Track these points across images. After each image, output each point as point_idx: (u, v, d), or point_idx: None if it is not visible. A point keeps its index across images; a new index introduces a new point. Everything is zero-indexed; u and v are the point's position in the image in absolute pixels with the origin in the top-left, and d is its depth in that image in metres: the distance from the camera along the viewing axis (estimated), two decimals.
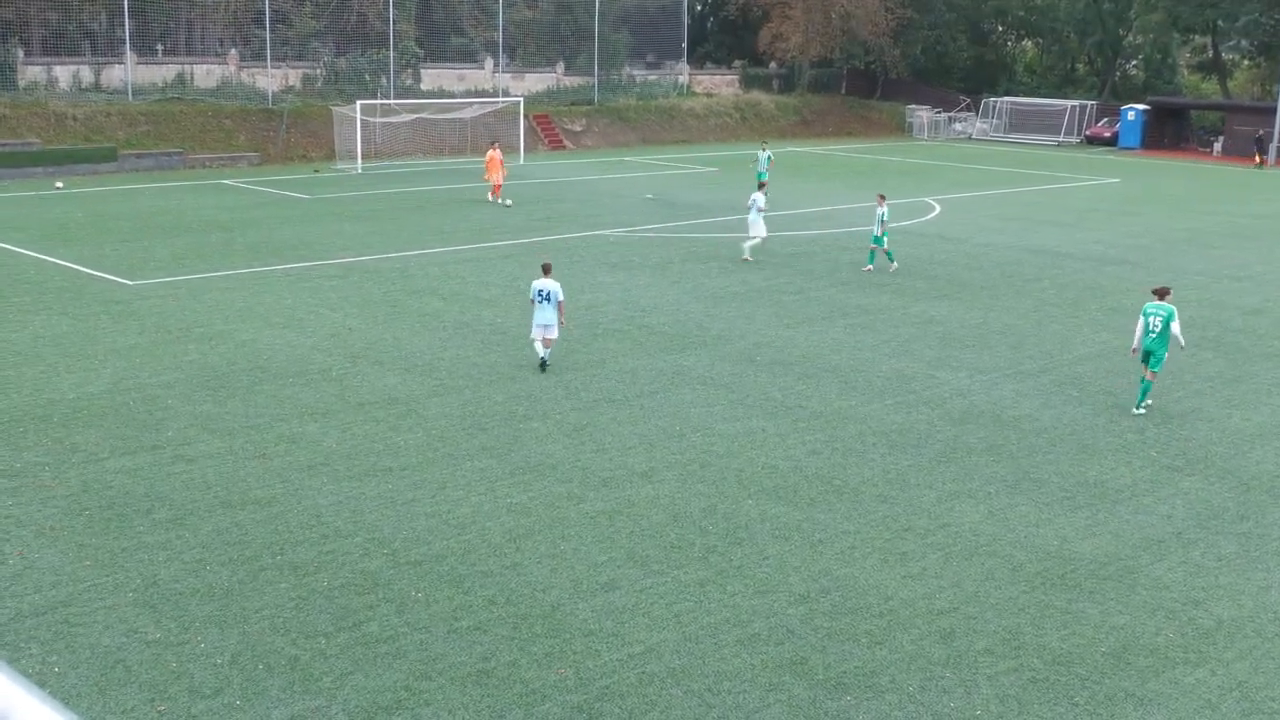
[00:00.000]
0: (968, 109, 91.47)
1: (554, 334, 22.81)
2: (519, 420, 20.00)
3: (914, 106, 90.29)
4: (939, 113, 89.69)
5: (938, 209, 47.18)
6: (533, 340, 23.08)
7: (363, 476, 17.32)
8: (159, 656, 12.28)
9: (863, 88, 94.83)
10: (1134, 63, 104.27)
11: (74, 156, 52.64)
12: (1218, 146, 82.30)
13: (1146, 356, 21.19)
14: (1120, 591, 14.35)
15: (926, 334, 26.85)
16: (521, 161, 60.75)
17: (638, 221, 41.95)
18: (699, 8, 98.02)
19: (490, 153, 45.96)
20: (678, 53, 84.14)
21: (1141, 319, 21.28)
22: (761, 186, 36.61)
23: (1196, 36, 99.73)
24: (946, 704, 11.85)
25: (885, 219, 33.61)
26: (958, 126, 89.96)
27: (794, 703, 11.78)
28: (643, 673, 12.23)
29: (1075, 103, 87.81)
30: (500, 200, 45.34)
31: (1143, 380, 21.41)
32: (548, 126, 70.43)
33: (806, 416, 20.67)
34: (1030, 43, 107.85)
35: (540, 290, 22.56)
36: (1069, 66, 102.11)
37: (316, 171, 55.47)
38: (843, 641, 12.96)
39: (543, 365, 22.83)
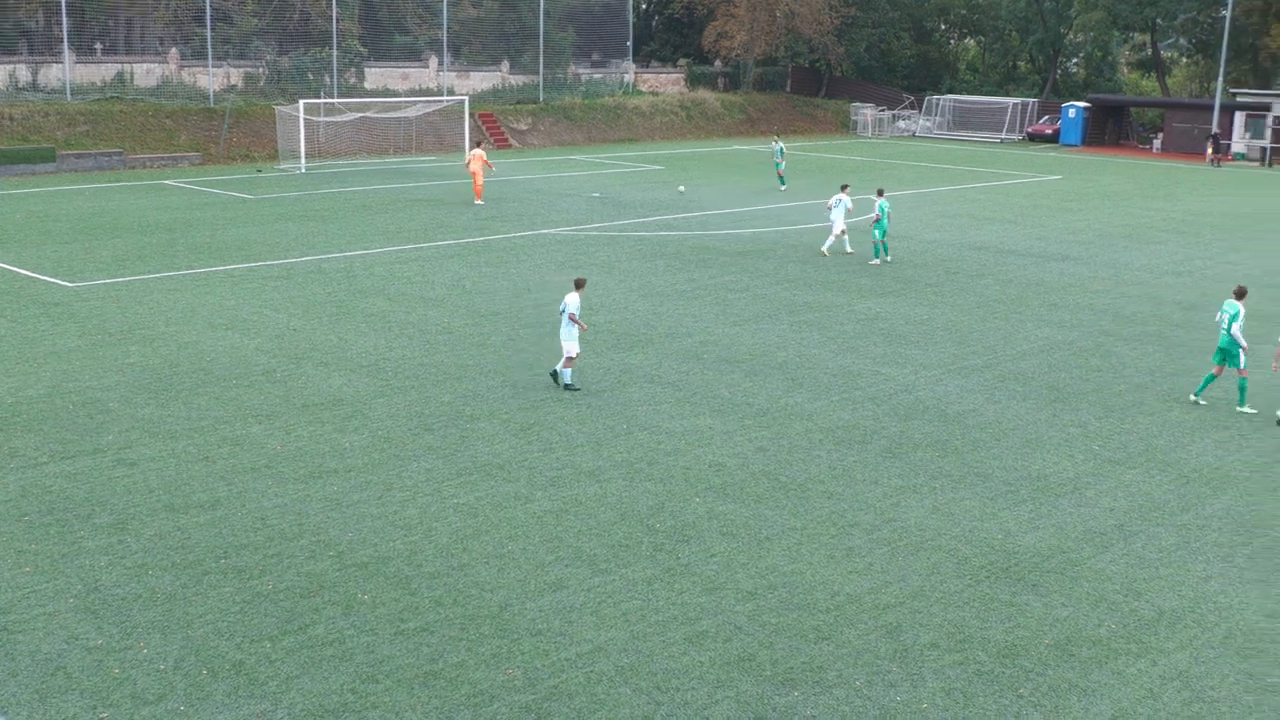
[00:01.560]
0: (911, 107, 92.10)
1: (568, 349, 21.58)
2: (466, 420, 19.94)
3: (858, 104, 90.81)
4: (883, 110, 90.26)
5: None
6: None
7: (308, 479, 17.20)
8: (101, 663, 12.14)
9: (808, 86, 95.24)
10: (1075, 60, 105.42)
11: (11, 157, 51.90)
12: (1157, 143, 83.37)
13: (1223, 356, 21.67)
14: (1063, 584, 14.51)
15: (872, 331, 27.02)
16: (466, 160, 60.49)
17: (583, 220, 41.92)
18: (644, 6, 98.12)
19: (475, 152, 46.57)
20: (623, 51, 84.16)
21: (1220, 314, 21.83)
22: (844, 188, 37.84)
23: (1136, 34, 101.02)
24: (893, 698, 11.93)
25: (886, 209, 35.10)
26: (902, 124, 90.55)
27: (742, 699, 11.83)
28: (591, 672, 12.23)
29: (1017, 100, 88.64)
30: (477, 200, 45.62)
31: (1239, 380, 21.83)
32: (493, 125, 70.23)
33: (753, 414, 20.74)
34: (972, 41, 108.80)
35: (564, 304, 21.61)
36: (1011, 64, 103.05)
37: (259, 171, 55.01)
38: (790, 637, 13.02)
39: (553, 376, 22.05)
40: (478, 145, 48.17)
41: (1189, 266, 36.33)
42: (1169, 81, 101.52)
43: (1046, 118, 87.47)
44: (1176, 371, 24.35)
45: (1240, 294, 21.99)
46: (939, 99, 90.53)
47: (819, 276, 32.85)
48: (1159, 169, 70.22)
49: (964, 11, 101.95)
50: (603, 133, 75.78)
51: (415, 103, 64.97)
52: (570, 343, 21.55)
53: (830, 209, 36.67)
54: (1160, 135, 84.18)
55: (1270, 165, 73.26)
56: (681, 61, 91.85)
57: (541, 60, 76.13)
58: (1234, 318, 21.50)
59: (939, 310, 29.21)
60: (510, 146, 69.66)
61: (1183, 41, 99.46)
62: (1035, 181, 60.39)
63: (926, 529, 16.05)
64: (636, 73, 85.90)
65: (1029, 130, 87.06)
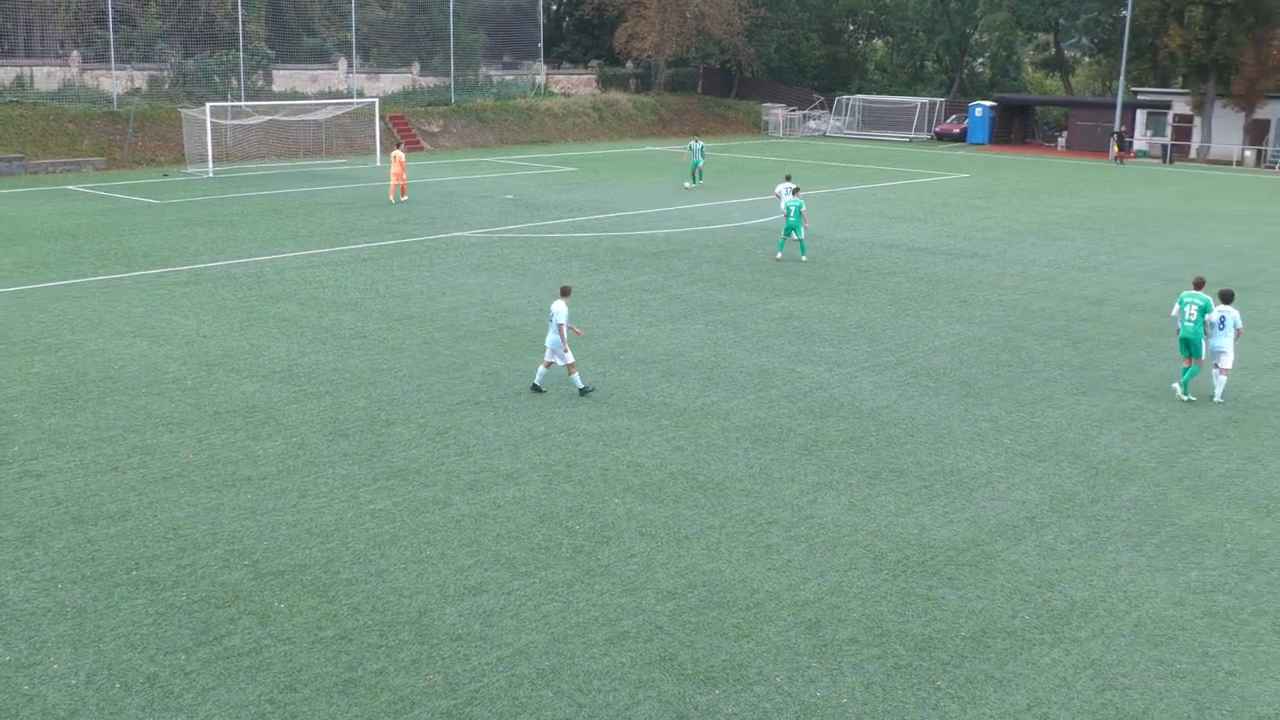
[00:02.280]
0: (822, 107, 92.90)
1: (552, 358, 21.43)
2: (381, 425, 19.78)
3: (769, 105, 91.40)
4: (794, 111, 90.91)
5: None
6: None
7: (221, 487, 16.96)
8: (9, 679, 11.88)
9: (719, 86, 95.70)
10: (981, 60, 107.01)
11: None
12: (1061, 141, 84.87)
13: (1185, 345, 22.30)
14: (978, 576, 14.73)
15: (786, 329, 27.21)
16: (377, 163, 60.05)
17: (498, 222, 41.78)
18: (554, 7, 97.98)
19: (395, 153, 48.01)
20: (534, 53, 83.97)
21: (1178, 306, 22.48)
22: (789, 178, 40.72)
23: (1040, 35, 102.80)
24: (813, 693, 12.03)
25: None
26: (812, 124, 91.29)
27: (664, 699, 11.86)
28: (512, 675, 12.19)
29: (925, 100, 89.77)
30: (395, 199, 46.83)
31: (1184, 369, 22.52)
32: (404, 128, 69.72)
33: (670, 414, 20.80)
34: (880, 41, 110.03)
35: (551, 311, 21.35)
36: (918, 65, 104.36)
37: (166, 176, 54.14)
38: (710, 636, 13.08)
39: (534, 388, 21.73)
40: (398, 147, 48.97)
41: (1094, 262, 37.03)
42: (1072, 80, 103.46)
43: (954, 117, 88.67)
44: (1084, 365, 24.80)
45: (1199, 284, 22.91)
46: (849, 99, 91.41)
47: (733, 276, 33.02)
48: (1064, 166, 71.49)
49: (872, 12, 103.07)
50: (515, 134, 75.56)
51: (324, 105, 64.31)
52: (560, 351, 21.20)
53: (779, 198, 39.13)
54: (1064, 133, 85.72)
55: (1171, 162, 74.90)
56: (593, 63, 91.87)
57: (452, 62, 75.73)
58: (1205, 309, 22.15)
59: (851, 308, 29.50)
60: (422, 149, 69.21)
61: (1085, 41, 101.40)
62: (944, 180, 61.21)
63: (843, 525, 16.20)
64: (548, 74, 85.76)
65: (937, 129, 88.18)
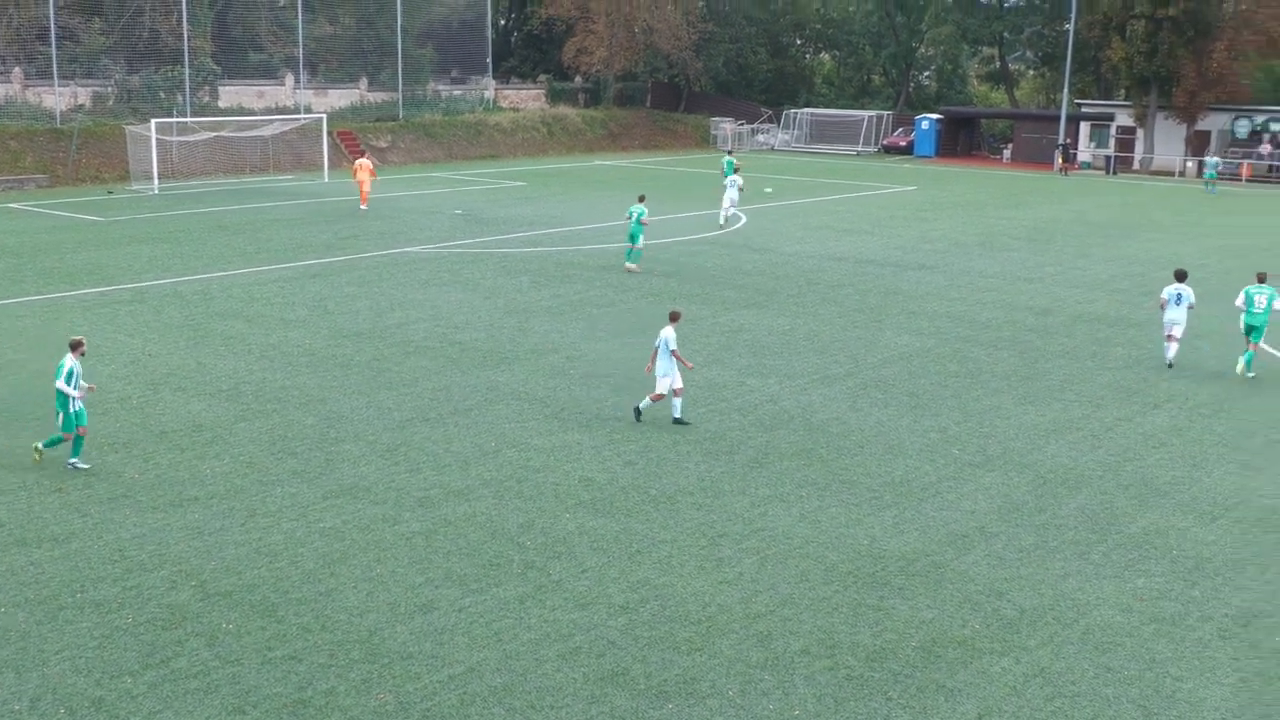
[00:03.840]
0: (770, 121, 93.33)
1: (667, 385, 20.77)
2: (330, 443, 19.65)
3: (718, 119, 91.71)
4: (742, 125, 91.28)
5: (744, 219, 48.01)
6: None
7: (168, 507, 16.78)
8: None
9: (668, 101, 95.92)
10: (927, 74, 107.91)
11: None
12: (1007, 153, 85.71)
13: (1250, 330, 25.24)
14: (928, 586, 14.81)
15: (736, 342, 27.29)
16: (325, 179, 59.75)
17: (447, 238, 41.66)
18: (503, 22, 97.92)
19: (360, 160, 49.65)
20: (483, 67, 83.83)
21: (1244, 297, 25.32)
22: (737, 170, 47.59)
23: (985, 48, 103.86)
24: (766, 706, 12.04)
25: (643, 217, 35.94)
26: (761, 138, 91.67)
27: (616, 714, 11.83)
28: (464, 693, 12.13)
29: (872, 113, 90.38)
30: (364, 207, 48.28)
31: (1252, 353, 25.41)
32: (352, 143, 69.38)
33: (621, 428, 20.79)
34: (827, 55, 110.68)
35: (661, 337, 20.80)
36: (865, 78, 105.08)
37: (110, 193, 53.58)
38: (663, 650, 13.07)
39: (636, 413, 21.20)
40: (362, 154, 51.46)
41: (1040, 273, 37.38)
42: (1017, 93, 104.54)
43: (901, 130, 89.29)
44: (1031, 375, 25.02)
45: (1262, 278, 25.75)
46: (796, 113, 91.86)
47: (683, 289, 33.08)
48: (1009, 178, 72.19)
49: (819, 26, 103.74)
50: (464, 149, 75.39)
51: (271, 121, 63.89)
52: (668, 377, 20.72)
53: (726, 189, 45.79)
54: (1010, 146, 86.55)
55: (1115, 173, 75.80)
56: (542, 78, 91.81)
57: (400, 77, 75.48)
58: (1273, 297, 24.91)
59: (801, 320, 29.63)
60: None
61: (1029, 55, 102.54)
62: (891, 193, 61.64)
63: (794, 537, 16.24)
64: (497, 89, 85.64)
65: (884, 142, 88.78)
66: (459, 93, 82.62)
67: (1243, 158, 72.08)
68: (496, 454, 19.31)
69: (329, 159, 62.43)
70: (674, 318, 21.37)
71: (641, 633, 13.44)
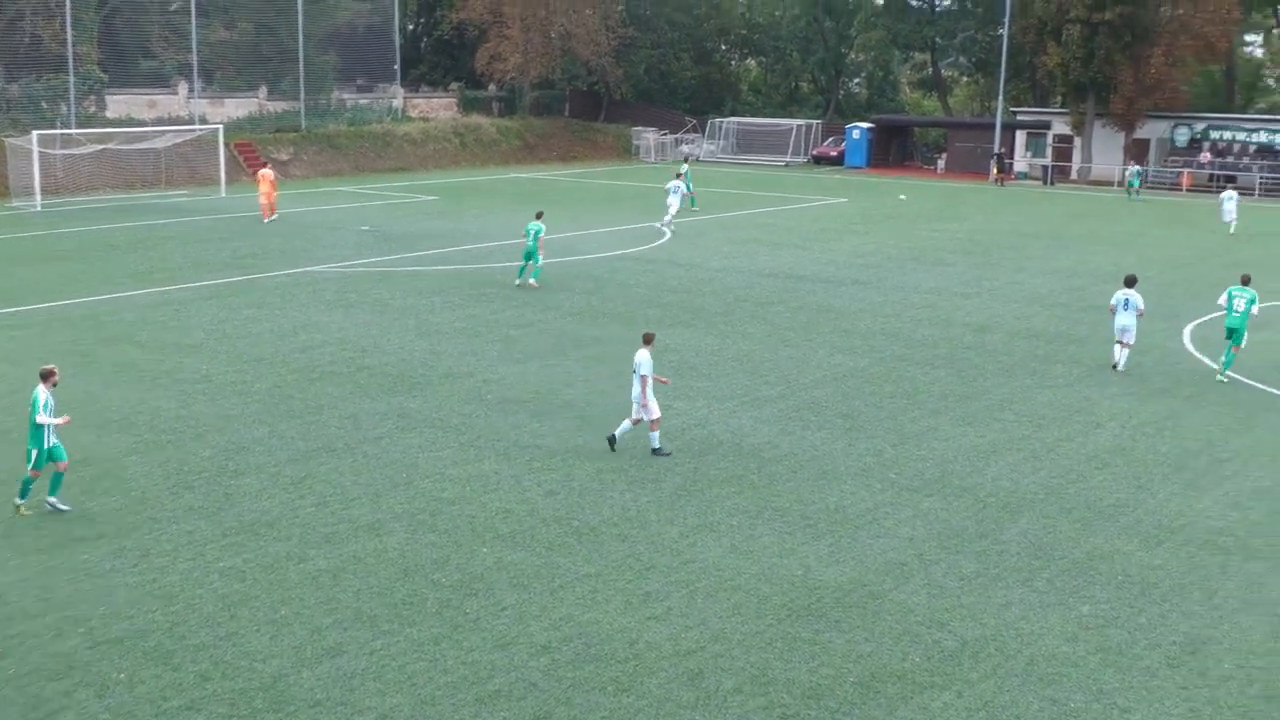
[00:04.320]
0: (694, 130, 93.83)
1: (640, 413, 20.82)
2: (230, 476, 19.40)
3: (640, 128, 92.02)
4: (665, 134, 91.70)
5: (668, 234, 48.18)
6: None
7: (52, 548, 16.46)
8: None
9: (587, 110, 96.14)
10: (857, 80, 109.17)
11: None
12: (941, 163, 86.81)
13: (1230, 333, 26.70)
14: (866, 618, 14.89)
15: (661, 363, 27.25)
16: (223, 194, 59.14)
17: (354, 256, 41.38)
18: (411, 27, 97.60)
19: (263, 171, 51.40)
20: (390, 75, 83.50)
21: (1226, 297, 26.97)
22: (679, 176, 52.50)
23: (916, 54, 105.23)
24: None
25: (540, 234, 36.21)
26: (685, 148, 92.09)
27: None
28: None
29: (801, 122, 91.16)
30: (267, 220, 49.46)
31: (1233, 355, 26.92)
32: (251, 156, 68.76)
33: (541, 456, 20.74)
34: (754, 61, 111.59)
35: (636, 362, 20.81)
36: (793, 85, 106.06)
37: None
38: (588, 691, 13.02)
39: (610, 441, 21.07)
40: (265, 165, 53.03)
41: (977, 288, 37.87)
42: (950, 101, 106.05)
43: (831, 139, 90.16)
44: (969, 394, 25.31)
45: (1246, 281, 27.20)
46: (722, 122, 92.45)
47: (606, 308, 33.11)
48: (944, 189, 73.14)
49: (744, 31, 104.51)
50: (371, 162, 75.00)
51: (164, 132, 63.14)
52: (647, 404, 20.64)
53: (670, 192, 49.63)
54: (944, 155, 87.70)
55: (1052, 184, 77.01)
56: (453, 85, 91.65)
57: (302, 85, 74.96)
58: (1252, 301, 26.49)
59: (730, 340, 29.75)
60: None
61: (962, 60, 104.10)
62: (822, 205, 62.19)
63: (725, 569, 16.27)
64: (406, 97, 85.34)
65: (814, 153, 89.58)
66: (365, 102, 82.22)
67: (1183, 166, 73.56)
68: (408, 485, 19.17)
69: (226, 172, 61.80)
70: (648, 340, 21.20)
71: (565, 673, 13.38)
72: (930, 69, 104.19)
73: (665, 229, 48.60)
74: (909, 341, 30.10)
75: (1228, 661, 14.11)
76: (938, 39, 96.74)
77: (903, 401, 24.74)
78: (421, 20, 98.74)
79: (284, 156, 70.48)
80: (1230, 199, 54.41)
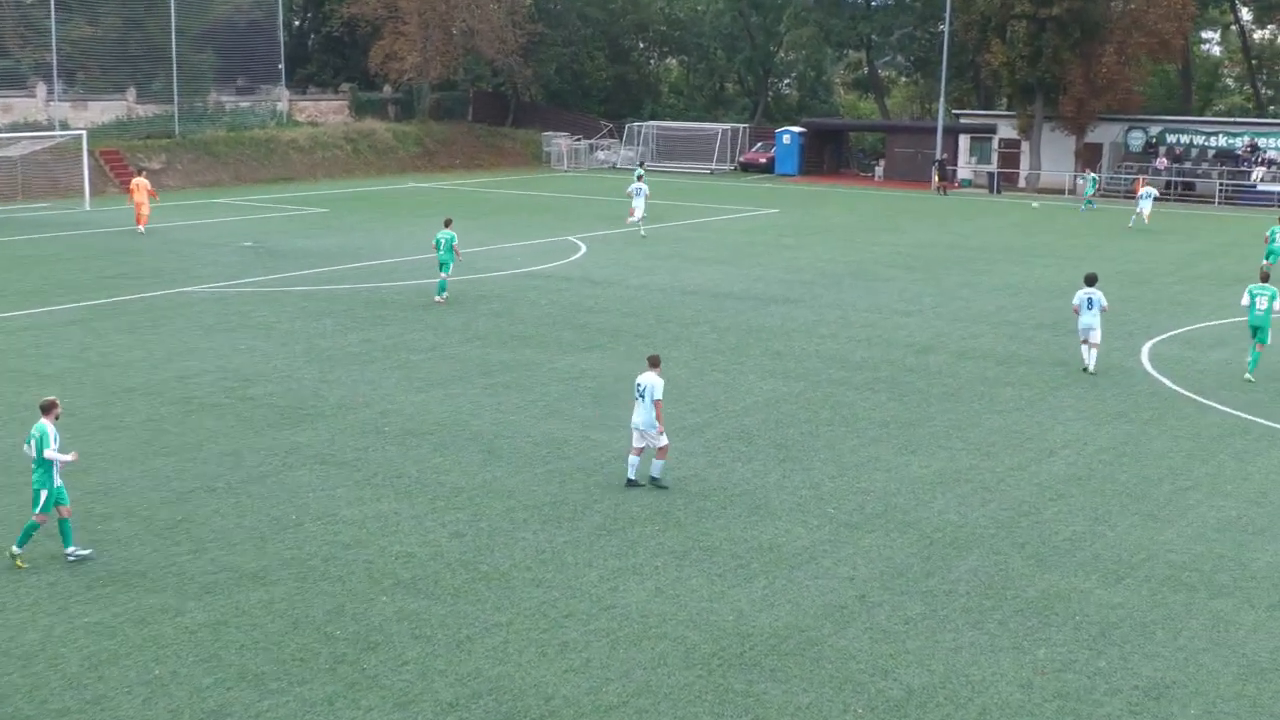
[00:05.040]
0: (611, 135, 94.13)
1: (642, 442, 20.96)
2: (96, 521, 19.11)
3: (551, 134, 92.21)
4: (579, 140, 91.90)
5: (583, 249, 48.25)
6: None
7: None
8: None
9: (493, 113, 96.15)
10: (787, 81, 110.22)
11: None
12: (879, 170, 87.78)
13: (1255, 331, 29.06)
14: (803, 666, 14.93)
15: (578, 391, 27.33)
16: (88, 207, 58.41)
17: (235, 275, 41.01)
18: (297, 23, 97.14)
19: (137, 180, 51.92)
20: (274, 75, 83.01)
21: (1248, 297, 29.25)
22: (640, 178, 55.03)
23: (851, 52, 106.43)
24: None
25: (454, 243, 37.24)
26: (601, 155, 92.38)
27: None
28: None
29: (727, 126, 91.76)
30: (141, 229, 50.38)
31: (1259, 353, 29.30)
32: (119, 164, 68.00)
33: (446, 493, 20.63)
34: (675, 60, 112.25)
35: (639, 385, 20.93)
36: (718, 86, 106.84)
37: None
38: None
39: (630, 482, 21.12)
40: (139, 174, 53.26)
41: (919, 305, 38.26)
42: (888, 103, 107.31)
43: (760, 145, 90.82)
44: (913, 421, 25.53)
45: (1265, 277, 29.95)
46: (641, 126, 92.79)
47: (515, 330, 33.06)
48: (882, 199, 73.91)
49: (664, 28, 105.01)
50: (253, 171, 74.46)
51: (19, 139, 62.28)
52: (655, 433, 20.74)
53: (633, 196, 53.07)
54: (882, 162, 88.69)
55: (999, 192, 78.07)
56: (345, 87, 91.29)
57: (176, 87, 74.30)
58: (1274, 297, 28.67)
59: None
60: None
61: (900, 59, 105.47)
62: (751, 216, 62.58)
63: (650, 615, 16.25)
64: (291, 100, 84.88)
65: (741, 159, 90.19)
66: (246, 104, 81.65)
67: (1138, 173, 74.76)
68: (298, 528, 18.99)
69: (91, 183, 61.04)
70: (655, 363, 21.32)
71: None
72: (866, 68, 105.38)
73: (640, 229, 52.84)
74: (847, 364, 30.32)
75: (1194, 707, 14.30)
76: (874, 36, 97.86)
77: (841, 429, 24.90)
78: (309, 15, 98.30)
79: (156, 165, 69.70)
80: (1147, 197, 59.56)
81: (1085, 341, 29.70)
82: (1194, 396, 27.70)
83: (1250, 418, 26.19)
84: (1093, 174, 71.30)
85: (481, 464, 22.19)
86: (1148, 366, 30.72)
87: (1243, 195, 73.63)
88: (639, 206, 53.20)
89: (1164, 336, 34.00)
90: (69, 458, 17.79)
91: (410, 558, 17.98)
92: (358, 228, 53.98)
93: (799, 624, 16.11)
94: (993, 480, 22.03)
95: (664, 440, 21.10)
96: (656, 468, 21.25)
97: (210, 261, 43.72)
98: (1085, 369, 29.48)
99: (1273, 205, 71.50)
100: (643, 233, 52.59)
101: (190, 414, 24.92)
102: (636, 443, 21.17)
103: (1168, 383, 29.03)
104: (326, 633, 15.56)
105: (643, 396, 20.88)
